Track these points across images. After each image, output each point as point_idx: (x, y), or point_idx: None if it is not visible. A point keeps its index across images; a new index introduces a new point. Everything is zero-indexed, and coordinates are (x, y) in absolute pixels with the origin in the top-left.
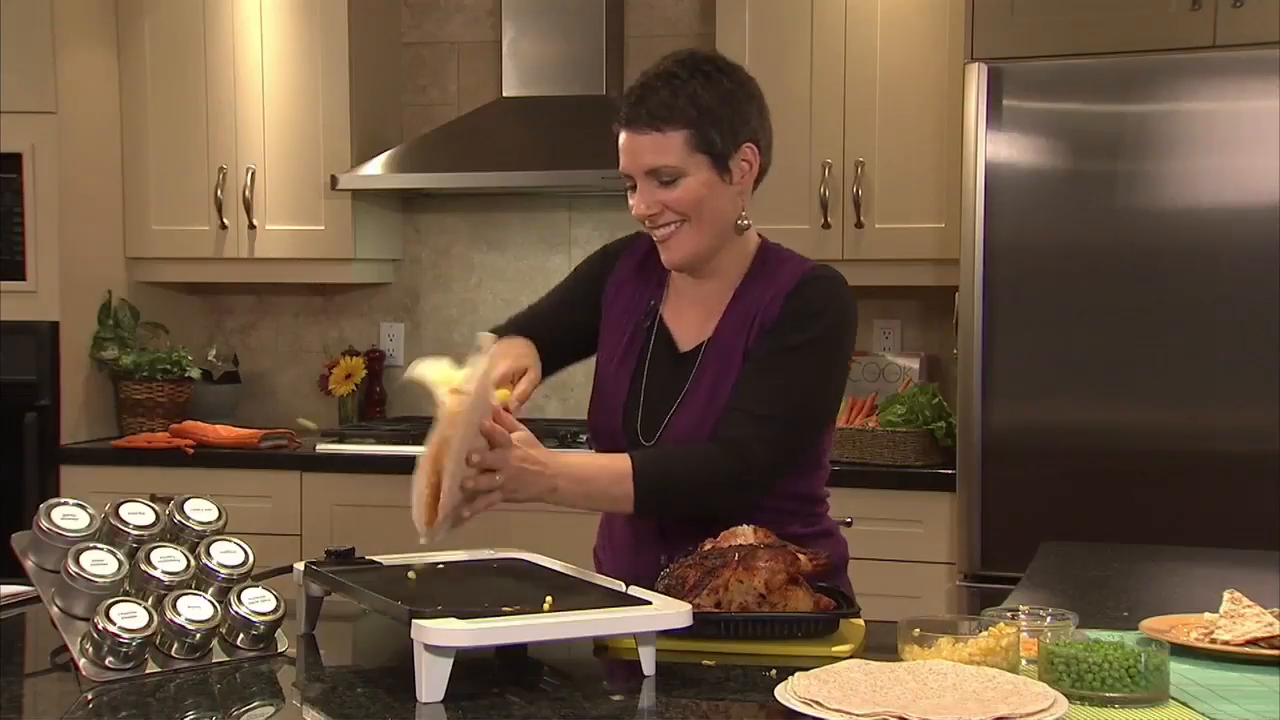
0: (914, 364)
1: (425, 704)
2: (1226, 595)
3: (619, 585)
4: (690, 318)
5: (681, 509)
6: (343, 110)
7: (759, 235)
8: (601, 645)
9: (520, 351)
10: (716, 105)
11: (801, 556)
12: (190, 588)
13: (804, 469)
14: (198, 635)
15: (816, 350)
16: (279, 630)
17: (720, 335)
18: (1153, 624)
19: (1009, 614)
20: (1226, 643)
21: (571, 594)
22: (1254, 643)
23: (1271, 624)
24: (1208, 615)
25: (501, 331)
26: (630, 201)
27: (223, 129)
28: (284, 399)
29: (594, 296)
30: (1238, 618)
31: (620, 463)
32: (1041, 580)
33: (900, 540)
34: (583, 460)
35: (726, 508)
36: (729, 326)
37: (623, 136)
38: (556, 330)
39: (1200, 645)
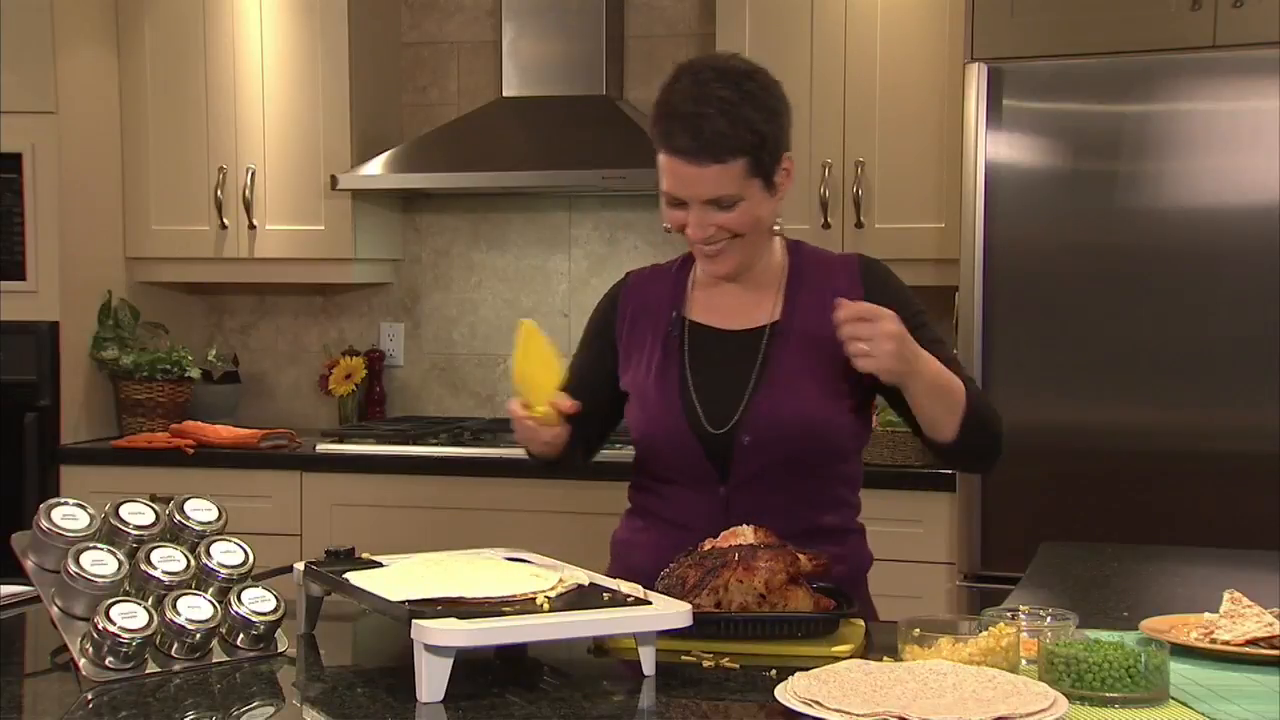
0: None
1: (425, 704)
2: (1226, 595)
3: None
4: (730, 306)
5: (977, 446)
6: (343, 110)
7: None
8: (601, 645)
9: None
10: (766, 126)
11: (801, 556)
12: (190, 588)
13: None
14: (198, 635)
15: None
16: (279, 630)
17: (790, 320)
18: (1153, 624)
19: (1009, 614)
20: (1226, 643)
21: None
22: (1254, 643)
23: (1271, 624)
24: (1208, 615)
25: None
26: (670, 215)
27: (223, 129)
28: (284, 399)
29: (611, 343)
30: (1238, 618)
31: (955, 380)
32: (1041, 580)
33: (900, 540)
34: (935, 365)
35: (990, 460)
36: (799, 312)
37: (673, 161)
38: (599, 395)
39: (1200, 645)
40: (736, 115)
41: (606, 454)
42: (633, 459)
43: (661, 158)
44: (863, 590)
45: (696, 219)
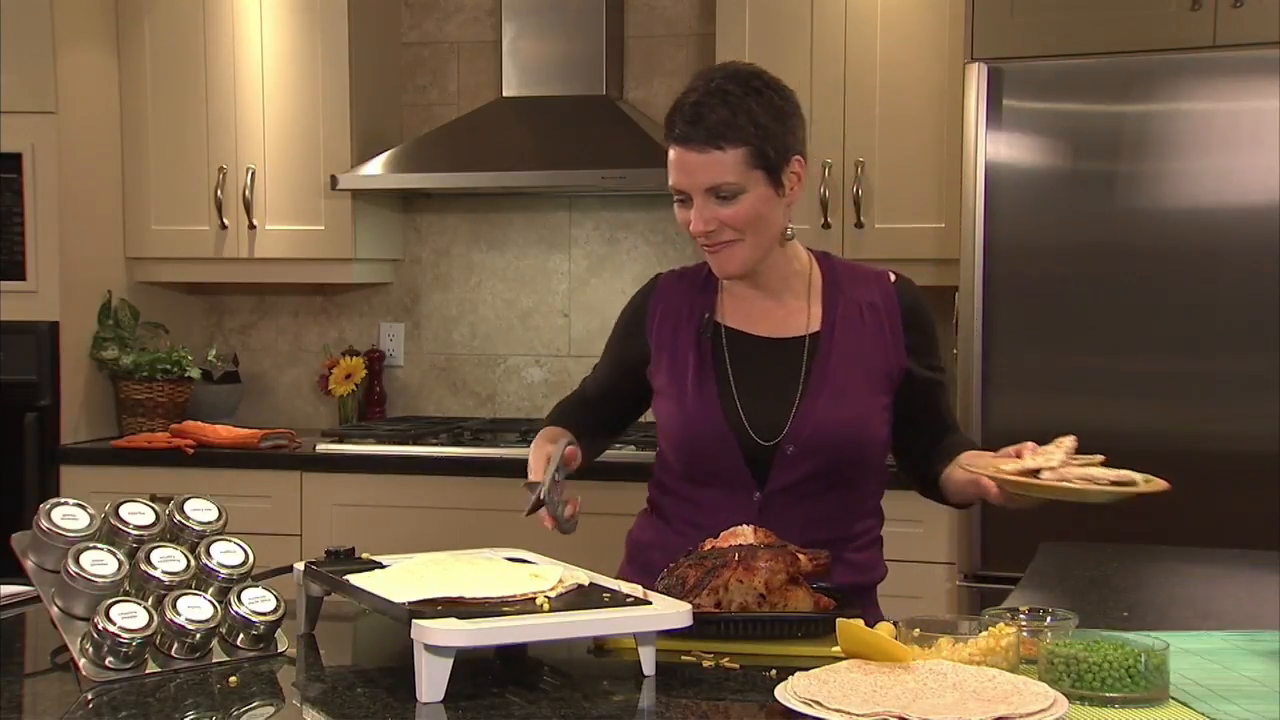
0: None
1: (425, 704)
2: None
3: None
4: (764, 312)
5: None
6: (343, 110)
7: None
8: (601, 645)
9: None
10: (771, 122)
11: (801, 556)
12: (190, 588)
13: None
14: (198, 635)
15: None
16: (279, 630)
17: (831, 331)
18: (970, 458)
19: (1009, 614)
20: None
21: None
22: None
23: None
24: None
25: (553, 420)
26: (679, 214)
27: (223, 129)
28: (284, 399)
29: (640, 345)
30: (1042, 452)
31: None
32: (1041, 580)
33: (901, 540)
34: None
35: None
36: (839, 324)
37: (676, 152)
38: (616, 404)
39: (1025, 480)
40: (739, 106)
41: (609, 455)
42: (656, 458)
43: (669, 153)
44: (870, 599)
45: (698, 210)
